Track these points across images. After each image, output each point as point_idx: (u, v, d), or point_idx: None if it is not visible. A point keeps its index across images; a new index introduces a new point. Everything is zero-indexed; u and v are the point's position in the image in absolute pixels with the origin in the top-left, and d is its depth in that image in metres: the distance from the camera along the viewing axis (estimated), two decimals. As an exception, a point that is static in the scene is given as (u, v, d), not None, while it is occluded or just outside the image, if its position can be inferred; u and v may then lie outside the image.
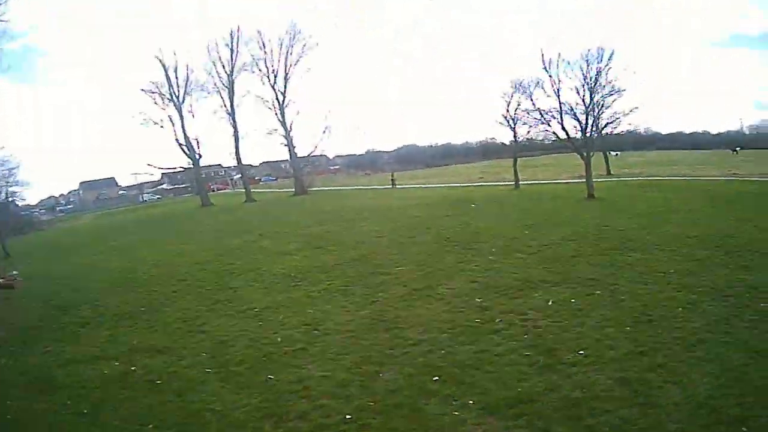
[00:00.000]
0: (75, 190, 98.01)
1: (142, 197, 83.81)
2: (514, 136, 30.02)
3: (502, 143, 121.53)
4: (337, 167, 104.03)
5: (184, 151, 43.48)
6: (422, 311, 8.21)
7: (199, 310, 9.74)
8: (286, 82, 43.02)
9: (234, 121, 43.31)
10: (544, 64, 22.72)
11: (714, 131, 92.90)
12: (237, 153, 44.85)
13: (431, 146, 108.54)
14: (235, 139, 44.12)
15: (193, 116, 43.40)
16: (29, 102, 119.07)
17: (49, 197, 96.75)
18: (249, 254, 14.78)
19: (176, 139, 43.07)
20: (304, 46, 42.15)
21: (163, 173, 79.23)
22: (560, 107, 22.67)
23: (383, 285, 10.00)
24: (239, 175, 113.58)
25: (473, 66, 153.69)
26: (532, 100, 24.68)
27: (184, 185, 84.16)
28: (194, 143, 43.52)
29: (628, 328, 6.67)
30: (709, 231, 12.42)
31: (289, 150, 44.87)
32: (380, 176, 75.32)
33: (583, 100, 21.95)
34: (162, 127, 42.55)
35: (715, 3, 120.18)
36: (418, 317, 7.92)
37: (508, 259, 11.28)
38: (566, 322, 7.08)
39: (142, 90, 41.96)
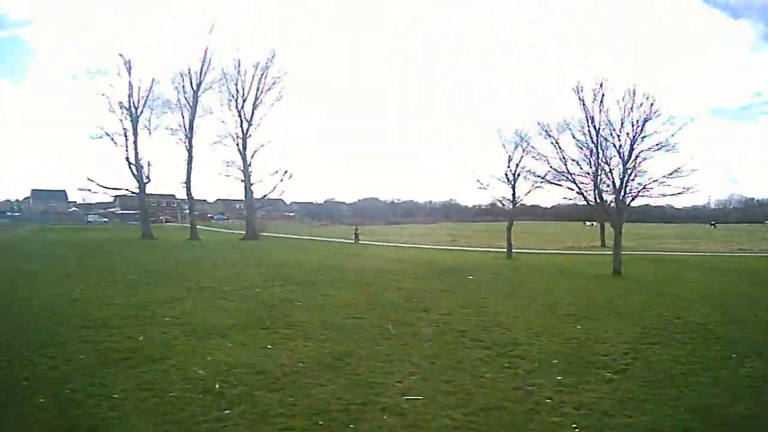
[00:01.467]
0: (27, 198, 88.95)
1: (88, 218, 75.94)
2: (513, 196, 26.52)
3: (467, 206, 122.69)
4: (292, 213, 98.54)
5: (132, 172, 37.89)
6: None
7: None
8: (254, 109, 38.66)
9: (190, 144, 38.01)
10: (581, 101, 18.41)
11: (678, 206, 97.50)
12: (188, 181, 39.17)
13: (393, 202, 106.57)
14: (188, 165, 38.66)
15: (150, 133, 38.19)
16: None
17: (5, 200, 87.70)
18: (158, 324, 9.39)
19: (126, 157, 37.41)
20: (278, 74, 38.81)
21: (116, 195, 71.49)
22: (597, 161, 18.63)
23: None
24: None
25: (453, 114, 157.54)
26: (547, 149, 20.84)
27: (135, 211, 76.44)
28: (145, 165, 37.82)
29: None
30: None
31: (245, 187, 39.67)
32: (337, 228, 70.75)
33: (620, 153, 18.05)
34: (114, 141, 36.84)
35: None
36: None
37: (585, 379, 6.82)
38: None
39: (103, 95, 36.74)
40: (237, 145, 38.71)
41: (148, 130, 37.68)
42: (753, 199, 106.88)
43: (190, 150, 38.03)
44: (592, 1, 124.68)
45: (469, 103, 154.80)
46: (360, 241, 38.33)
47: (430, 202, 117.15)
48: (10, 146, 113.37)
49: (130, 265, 18.49)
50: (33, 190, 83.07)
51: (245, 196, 40.16)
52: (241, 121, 38.18)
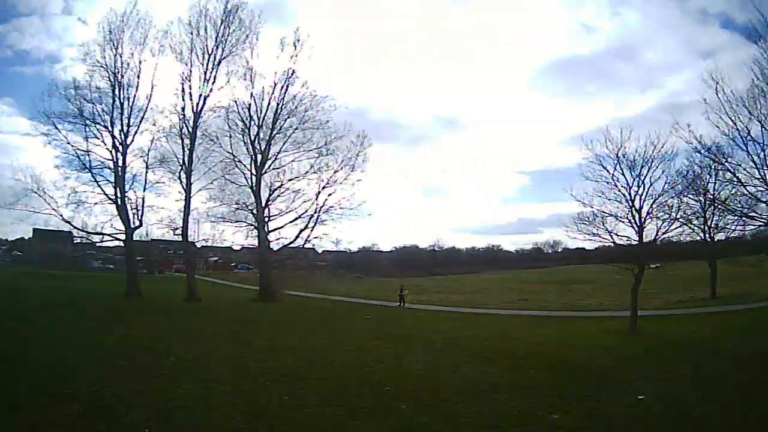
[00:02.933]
0: (31, 238, 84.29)
1: (92, 263, 69.53)
2: (640, 234, 17.20)
3: (511, 251, 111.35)
4: (324, 264, 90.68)
5: (118, 212, 29.82)
6: None
7: None
8: (270, 139, 31.50)
9: (188, 179, 30.34)
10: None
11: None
12: (184, 224, 30.80)
13: (434, 249, 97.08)
14: (185, 207, 30.77)
15: (147, 167, 30.39)
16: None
17: (18, 239, 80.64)
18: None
19: (106, 193, 29.56)
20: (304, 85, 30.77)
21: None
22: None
23: None
24: (215, 258, 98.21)
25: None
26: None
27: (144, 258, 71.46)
28: (135, 203, 30.20)
29: None
30: None
31: (259, 234, 32.00)
32: (375, 283, 62.04)
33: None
34: (93, 178, 29.29)
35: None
36: None
37: None
38: None
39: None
40: (248, 181, 31.52)
41: (145, 161, 30.22)
42: None
43: (188, 187, 30.42)
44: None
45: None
46: (406, 303, 29.58)
47: (474, 248, 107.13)
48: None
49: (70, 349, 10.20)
50: (35, 230, 77.27)
51: (258, 245, 32.50)
52: (253, 153, 31.11)
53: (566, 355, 12.36)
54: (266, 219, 31.99)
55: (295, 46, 30.45)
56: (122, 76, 29.41)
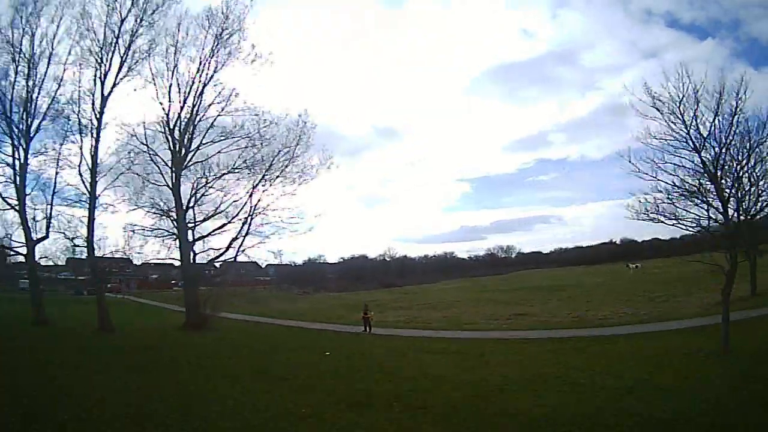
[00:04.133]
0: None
1: (20, 284, 58.07)
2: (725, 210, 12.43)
3: (464, 258, 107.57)
4: (267, 279, 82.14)
5: (21, 219, 23.20)
6: None
7: None
8: (193, 124, 24.28)
9: (93, 173, 22.82)
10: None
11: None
12: (90, 230, 22.99)
13: (385, 259, 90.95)
14: (90, 206, 23.08)
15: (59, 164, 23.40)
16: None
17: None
18: None
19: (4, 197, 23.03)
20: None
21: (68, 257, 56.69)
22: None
23: None
24: (155, 276, 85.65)
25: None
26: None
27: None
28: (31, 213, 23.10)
29: None
30: None
31: (180, 244, 24.50)
32: (324, 298, 55.16)
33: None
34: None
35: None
36: None
37: None
38: None
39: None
40: (164, 177, 24.06)
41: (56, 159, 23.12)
42: None
43: (93, 188, 22.81)
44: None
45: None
46: (371, 327, 23.28)
47: (426, 256, 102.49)
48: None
49: None
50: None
51: (180, 258, 24.61)
52: (171, 141, 23.75)
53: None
54: (189, 226, 24.59)
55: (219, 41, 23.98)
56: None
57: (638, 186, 13.35)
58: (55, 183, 23.58)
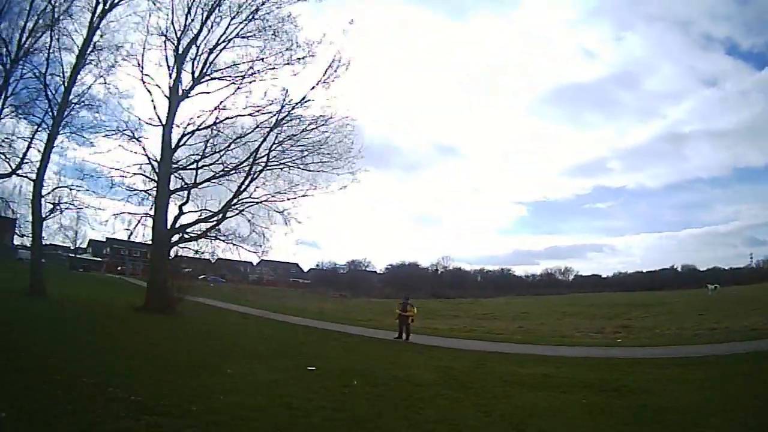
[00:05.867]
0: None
1: (18, 254, 57.18)
2: None
3: (522, 276, 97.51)
4: (308, 282, 76.45)
5: None
6: None
7: None
8: (197, 47, 18.04)
9: (51, 107, 17.63)
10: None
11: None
12: (37, 182, 17.62)
13: (437, 270, 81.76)
14: (45, 152, 17.76)
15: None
16: None
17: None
18: None
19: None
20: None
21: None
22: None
23: None
24: (187, 269, 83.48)
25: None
26: None
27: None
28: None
29: None
30: None
31: (158, 192, 17.93)
32: (364, 303, 47.83)
33: None
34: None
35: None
36: None
37: None
38: None
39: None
40: (152, 107, 17.87)
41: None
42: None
43: (54, 130, 17.23)
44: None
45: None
46: (410, 338, 15.44)
47: (482, 270, 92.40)
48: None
49: None
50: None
51: (154, 216, 17.64)
52: (173, 68, 17.58)
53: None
54: (172, 170, 17.95)
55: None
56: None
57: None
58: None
